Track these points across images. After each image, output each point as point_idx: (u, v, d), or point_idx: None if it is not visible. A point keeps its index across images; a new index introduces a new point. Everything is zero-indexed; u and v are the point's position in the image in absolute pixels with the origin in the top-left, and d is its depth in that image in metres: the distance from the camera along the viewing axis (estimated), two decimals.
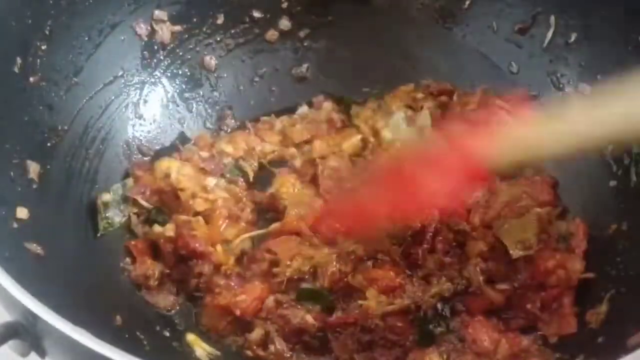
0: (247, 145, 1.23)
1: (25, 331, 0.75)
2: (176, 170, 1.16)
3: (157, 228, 1.12)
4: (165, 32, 1.23)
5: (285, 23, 1.31)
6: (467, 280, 1.04)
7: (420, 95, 1.24)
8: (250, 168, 1.21)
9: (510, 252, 1.03)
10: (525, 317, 1.02)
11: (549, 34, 1.20)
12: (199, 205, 1.13)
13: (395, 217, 1.03)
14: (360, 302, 1.03)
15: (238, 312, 1.03)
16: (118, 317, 0.99)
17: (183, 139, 1.25)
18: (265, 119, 1.27)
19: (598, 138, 0.87)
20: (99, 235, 1.10)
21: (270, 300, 1.04)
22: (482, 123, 0.99)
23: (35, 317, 0.72)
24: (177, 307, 1.07)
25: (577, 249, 1.05)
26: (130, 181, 1.16)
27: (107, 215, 1.12)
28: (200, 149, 1.22)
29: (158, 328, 1.04)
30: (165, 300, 1.07)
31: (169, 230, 1.10)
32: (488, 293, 1.02)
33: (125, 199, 1.14)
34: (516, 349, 0.97)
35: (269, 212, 1.16)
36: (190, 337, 1.04)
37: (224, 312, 1.04)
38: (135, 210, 1.15)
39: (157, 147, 1.23)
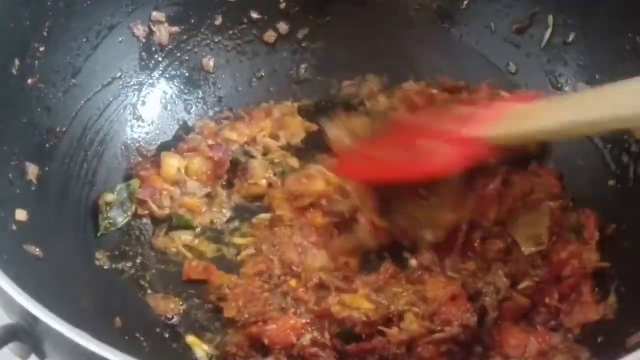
0: (250, 133, 1.24)
1: (25, 333, 0.75)
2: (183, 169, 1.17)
3: (184, 235, 1.13)
4: (163, 33, 1.23)
5: (282, 24, 1.31)
6: (495, 287, 1.01)
7: (435, 90, 1.24)
8: (259, 152, 1.22)
9: (522, 249, 1.03)
10: (547, 311, 1.00)
11: (547, 34, 1.20)
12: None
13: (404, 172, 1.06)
14: (381, 327, 0.99)
15: (266, 341, 1.00)
16: (117, 319, 0.99)
17: (186, 129, 1.26)
18: (264, 105, 1.28)
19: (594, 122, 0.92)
20: (99, 234, 1.10)
21: (306, 339, 1.00)
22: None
23: (34, 319, 0.72)
24: (178, 313, 1.07)
25: (590, 239, 1.04)
26: (135, 182, 1.15)
27: (109, 215, 1.12)
28: (205, 137, 1.22)
29: (158, 330, 1.04)
30: (166, 306, 1.07)
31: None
32: (517, 299, 1.00)
33: (130, 200, 1.14)
34: (545, 347, 0.96)
35: None
36: (190, 339, 1.04)
37: (251, 338, 1.02)
38: (142, 212, 1.15)
39: (155, 148, 1.23)
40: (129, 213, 1.14)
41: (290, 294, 1.05)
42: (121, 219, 1.13)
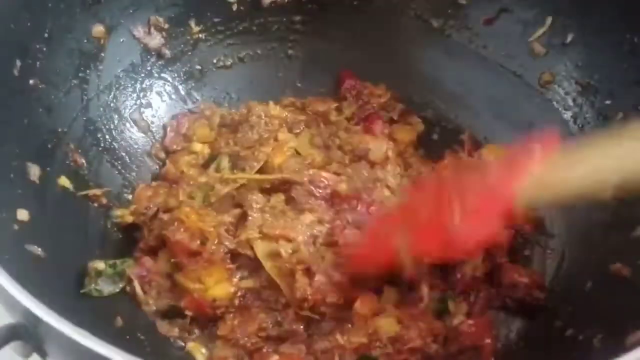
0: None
1: (27, 333, 0.76)
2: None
3: None
4: (163, 33, 1.24)
5: (282, 29, 1.31)
6: None
7: None
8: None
9: None
10: None
11: (545, 34, 1.20)
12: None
13: (419, 249, 0.97)
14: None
15: None
16: (119, 319, 1.00)
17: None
18: None
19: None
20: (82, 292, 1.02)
21: None
22: (514, 162, 0.93)
23: (36, 318, 0.72)
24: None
25: None
26: (130, 262, 1.08)
27: (97, 281, 1.03)
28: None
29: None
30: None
31: None
32: None
33: (122, 275, 1.06)
34: None
35: None
36: (190, 345, 1.04)
37: None
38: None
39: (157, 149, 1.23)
40: (119, 286, 1.06)
41: (285, 323, 1.03)
42: (109, 290, 1.04)
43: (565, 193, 0.89)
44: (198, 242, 1.05)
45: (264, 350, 1.02)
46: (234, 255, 1.06)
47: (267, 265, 1.04)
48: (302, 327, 1.03)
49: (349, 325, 1.02)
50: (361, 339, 1.00)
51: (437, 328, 1.02)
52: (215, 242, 1.06)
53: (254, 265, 1.06)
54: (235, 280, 1.05)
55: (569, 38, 1.18)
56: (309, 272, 1.02)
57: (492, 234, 0.95)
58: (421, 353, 1.00)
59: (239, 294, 1.05)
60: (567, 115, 1.18)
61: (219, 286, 1.04)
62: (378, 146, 1.17)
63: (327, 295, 1.01)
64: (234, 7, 1.28)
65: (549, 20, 1.19)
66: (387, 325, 1.01)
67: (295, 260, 1.03)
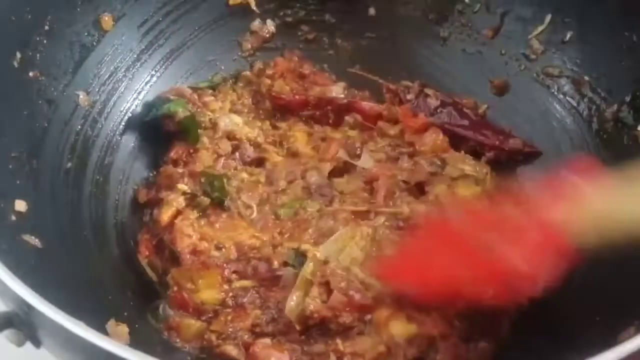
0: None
1: (21, 321, 0.76)
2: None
3: None
4: (165, 25, 1.24)
5: (286, 20, 1.32)
6: None
7: None
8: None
9: None
10: None
11: (545, 32, 1.20)
12: None
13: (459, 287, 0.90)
14: None
15: None
16: None
17: None
18: None
19: None
20: None
21: None
22: (557, 192, 0.85)
23: (29, 307, 0.73)
24: None
25: None
26: None
27: None
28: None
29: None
30: None
31: None
32: None
33: None
34: None
35: None
36: None
37: None
38: None
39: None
40: None
41: (281, 321, 1.00)
42: None
43: (618, 228, 0.80)
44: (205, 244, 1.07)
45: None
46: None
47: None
48: (298, 327, 0.99)
49: (355, 333, 0.98)
50: (378, 348, 0.97)
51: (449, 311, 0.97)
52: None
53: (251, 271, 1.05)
54: (225, 287, 1.04)
55: (568, 36, 1.18)
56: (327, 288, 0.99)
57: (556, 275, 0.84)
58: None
59: (231, 294, 1.03)
60: (564, 112, 1.18)
61: (208, 291, 1.03)
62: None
63: (341, 315, 0.98)
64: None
65: (548, 17, 1.19)
66: (401, 328, 0.97)
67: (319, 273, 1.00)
